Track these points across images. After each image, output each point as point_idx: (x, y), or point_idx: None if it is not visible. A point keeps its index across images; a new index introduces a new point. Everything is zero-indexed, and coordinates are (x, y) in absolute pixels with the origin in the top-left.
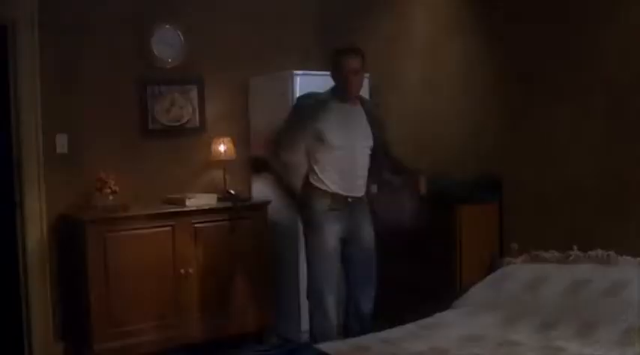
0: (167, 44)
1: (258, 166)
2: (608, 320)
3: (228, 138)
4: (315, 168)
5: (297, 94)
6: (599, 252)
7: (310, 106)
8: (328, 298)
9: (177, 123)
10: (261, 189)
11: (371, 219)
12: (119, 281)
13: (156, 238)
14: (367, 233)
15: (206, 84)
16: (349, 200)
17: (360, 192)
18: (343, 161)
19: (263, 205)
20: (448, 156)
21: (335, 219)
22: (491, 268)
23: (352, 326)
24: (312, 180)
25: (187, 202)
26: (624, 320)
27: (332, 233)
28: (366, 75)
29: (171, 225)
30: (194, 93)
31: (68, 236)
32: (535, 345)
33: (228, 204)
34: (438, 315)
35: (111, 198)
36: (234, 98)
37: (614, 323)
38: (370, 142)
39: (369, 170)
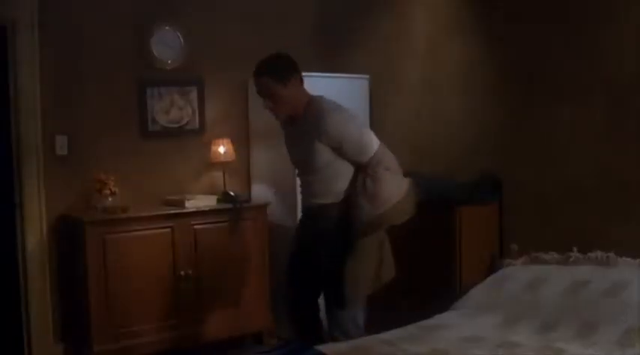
0: (167, 45)
1: None
2: (608, 321)
3: (228, 140)
4: None
5: None
6: (599, 253)
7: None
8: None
9: (177, 125)
10: (260, 190)
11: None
12: (119, 282)
13: (155, 239)
14: (323, 245)
15: (206, 85)
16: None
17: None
18: (300, 178)
19: (263, 207)
20: (448, 156)
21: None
22: (491, 269)
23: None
24: None
25: (187, 204)
26: (624, 320)
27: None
28: (366, 76)
29: (170, 227)
30: (194, 95)
31: (68, 237)
32: (535, 346)
33: (228, 205)
34: (437, 317)
35: (110, 199)
36: (233, 99)
37: (614, 323)
38: (319, 158)
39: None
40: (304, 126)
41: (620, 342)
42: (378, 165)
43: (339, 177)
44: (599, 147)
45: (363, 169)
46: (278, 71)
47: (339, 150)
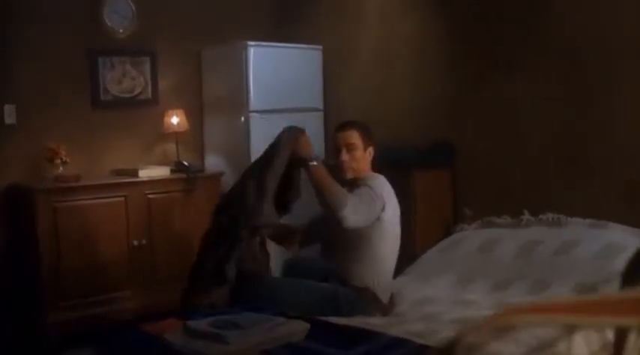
0: (119, 14)
1: None
2: (560, 278)
3: (181, 111)
4: None
5: (252, 66)
6: (550, 215)
7: None
8: None
9: (130, 95)
10: (213, 161)
11: None
12: (71, 252)
13: (108, 209)
14: None
15: (159, 55)
16: None
17: None
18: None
19: (216, 176)
20: (401, 126)
21: None
22: (445, 234)
23: None
24: None
25: (140, 173)
26: (575, 276)
27: None
28: (319, 47)
29: (123, 196)
30: (146, 65)
31: (18, 206)
32: (489, 303)
33: (182, 175)
34: (391, 282)
35: (61, 168)
36: (187, 70)
37: (566, 279)
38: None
39: None
40: None
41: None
42: None
43: None
44: (550, 115)
45: None
46: (366, 132)
47: None
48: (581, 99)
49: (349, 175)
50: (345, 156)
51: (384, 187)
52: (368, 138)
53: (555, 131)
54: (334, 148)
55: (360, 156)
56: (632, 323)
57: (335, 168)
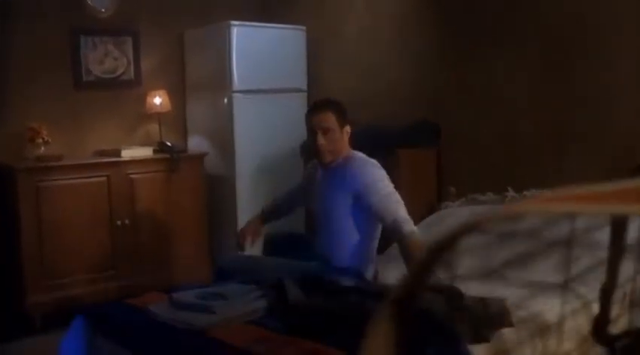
0: None
1: None
2: (544, 251)
3: (164, 91)
4: None
5: (235, 46)
6: (533, 191)
7: None
8: None
9: (112, 76)
10: (196, 141)
11: None
12: (53, 232)
13: (91, 189)
14: None
15: (141, 35)
16: None
17: None
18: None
19: (199, 157)
20: (386, 106)
21: None
22: (429, 212)
23: None
24: None
25: (123, 153)
26: (558, 250)
27: None
28: (303, 27)
29: (106, 176)
30: (129, 45)
31: (0, 185)
32: (473, 274)
33: (165, 155)
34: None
35: (43, 148)
36: (169, 51)
37: (549, 253)
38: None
39: None
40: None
41: (555, 269)
42: None
43: None
44: (533, 93)
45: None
46: (341, 112)
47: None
48: (565, 76)
49: (328, 158)
50: (321, 140)
51: (377, 168)
52: (343, 118)
53: (539, 108)
54: (309, 131)
55: (338, 138)
56: (633, 210)
57: (312, 153)
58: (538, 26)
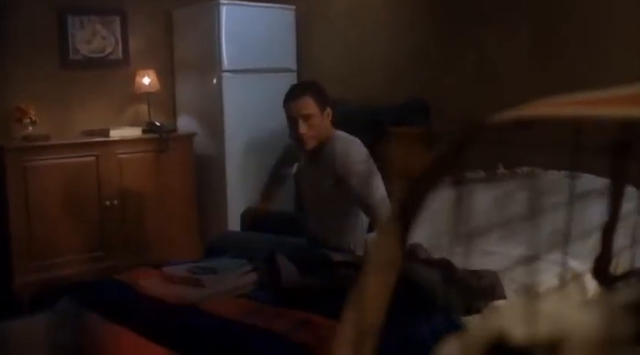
0: None
1: None
2: (534, 226)
3: (153, 71)
4: None
5: (224, 25)
6: (524, 168)
7: None
8: None
9: (100, 55)
10: (186, 121)
11: None
12: (41, 212)
13: (79, 168)
14: None
15: (129, 15)
16: None
17: None
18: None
19: (189, 137)
20: (376, 85)
21: None
22: None
23: None
24: None
25: (111, 133)
26: (549, 224)
27: None
28: (292, 7)
29: (95, 156)
30: (117, 24)
31: None
32: (461, 251)
33: (154, 135)
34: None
35: (31, 128)
36: (158, 30)
37: (540, 227)
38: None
39: None
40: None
41: (546, 243)
42: None
43: None
44: (525, 70)
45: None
46: (321, 95)
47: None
48: (557, 52)
49: (310, 145)
50: (302, 128)
51: (357, 146)
52: (323, 101)
53: (531, 85)
54: (289, 119)
55: (319, 123)
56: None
57: (294, 141)
58: (529, 5)
